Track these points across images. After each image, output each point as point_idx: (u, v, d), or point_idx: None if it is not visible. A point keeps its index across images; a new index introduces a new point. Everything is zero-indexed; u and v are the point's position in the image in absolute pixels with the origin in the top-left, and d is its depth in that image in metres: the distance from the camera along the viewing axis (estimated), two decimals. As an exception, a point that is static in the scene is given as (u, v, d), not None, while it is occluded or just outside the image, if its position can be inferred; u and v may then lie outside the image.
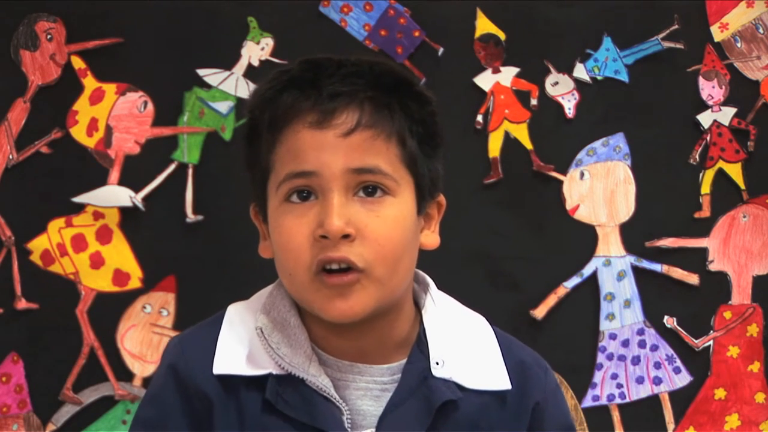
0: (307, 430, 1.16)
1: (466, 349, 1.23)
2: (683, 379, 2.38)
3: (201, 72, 2.31)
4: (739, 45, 2.41)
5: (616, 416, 2.37)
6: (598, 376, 2.37)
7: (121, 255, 2.30)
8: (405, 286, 1.20)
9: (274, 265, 1.22)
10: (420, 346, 1.21)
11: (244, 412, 1.17)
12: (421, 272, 1.26)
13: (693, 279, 2.38)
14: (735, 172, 2.40)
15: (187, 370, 1.18)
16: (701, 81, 2.40)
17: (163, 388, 1.20)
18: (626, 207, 2.38)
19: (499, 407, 1.21)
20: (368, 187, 1.15)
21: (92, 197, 2.29)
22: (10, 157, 2.29)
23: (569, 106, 2.38)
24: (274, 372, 1.17)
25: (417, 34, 2.36)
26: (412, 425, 1.17)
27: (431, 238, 1.23)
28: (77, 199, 2.29)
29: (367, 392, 1.19)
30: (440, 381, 1.19)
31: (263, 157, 1.18)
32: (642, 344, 2.37)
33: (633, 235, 2.38)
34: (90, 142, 2.31)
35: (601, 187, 2.39)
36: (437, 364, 1.20)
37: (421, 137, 1.18)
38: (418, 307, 1.25)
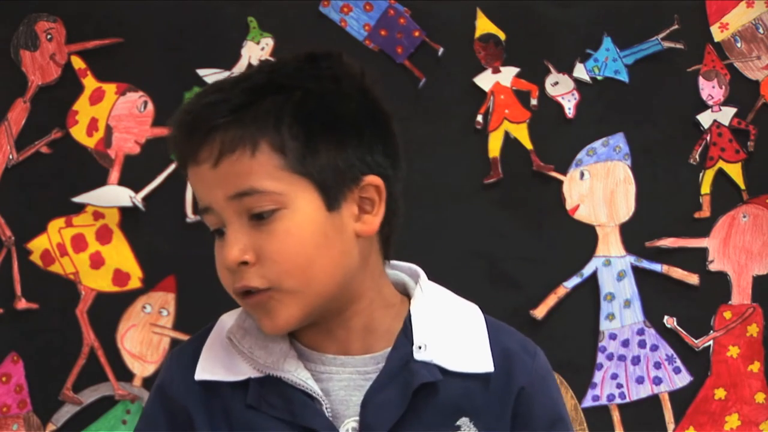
0: (293, 428, 1.17)
1: (451, 333, 1.22)
2: (683, 379, 2.38)
3: (201, 72, 2.31)
4: (739, 45, 2.41)
5: (616, 416, 2.37)
6: (598, 376, 2.37)
7: (121, 255, 2.30)
8: (339, 284, 1.18)
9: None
10: (406, 333, 1.21)
11: (231, 412, 1.19)
12: (412, 265, 1.27)
13: (693, 279, 2.38)
14: (735, 172, 2.40)
15: (172, 383, 1.22)
16: (701, 81, 2.40)
17: (151, 406, 1.25)
18: (626, 207, 2.38)
19: (482, 391, 1.20)
20: (252, 211, 1.15)
21: (92, 197, 2.29)
22: (10, 157, 2.29)
23: (569, 106, 2.38)
24: (253, 376, 1.19)
25: (417, 34, 2.36)
26: (391, 409, 1.17)
27: (368, 224, 1.19)
28: (77, 199, 2.29)
29: (351, 383, 1.19)
30: (421, 364, 1.19)
31: None
32: (642, 344, 2.37)
33: (633, 235, 2.38)
34: (90, 142, 2.31)
35: (601, 187, 2.39)
36: (419, 348, 1.19)
37: (308, 134, 1.15)
38: (409, 298, 1.25)
